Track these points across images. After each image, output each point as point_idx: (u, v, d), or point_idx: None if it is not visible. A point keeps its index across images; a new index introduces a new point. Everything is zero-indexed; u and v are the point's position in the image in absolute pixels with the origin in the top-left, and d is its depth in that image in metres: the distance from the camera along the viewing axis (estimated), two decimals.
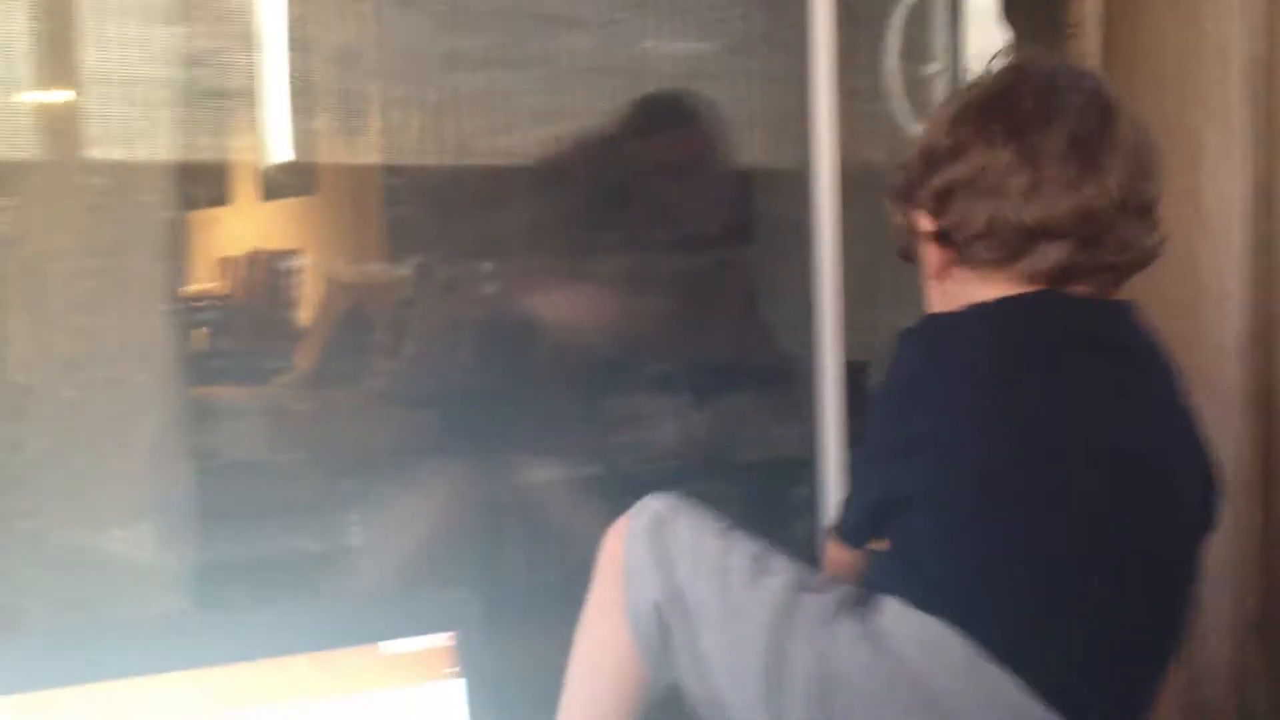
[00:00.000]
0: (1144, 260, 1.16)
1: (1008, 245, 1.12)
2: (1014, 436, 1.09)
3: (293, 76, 1.69)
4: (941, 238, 1.16)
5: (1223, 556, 1.79)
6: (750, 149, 1.87)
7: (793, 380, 1.90)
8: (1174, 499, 1.14)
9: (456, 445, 1.85)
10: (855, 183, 1.79)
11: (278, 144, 1.80)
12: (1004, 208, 1.11)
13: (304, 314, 1.89)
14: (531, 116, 1.78)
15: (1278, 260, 1.78)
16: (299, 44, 1.65)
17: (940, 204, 1.15)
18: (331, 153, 1.80)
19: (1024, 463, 1.09)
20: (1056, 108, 1.13)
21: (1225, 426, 1.76)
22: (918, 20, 1.94)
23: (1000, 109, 1.14)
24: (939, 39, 1.97)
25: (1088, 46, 1.61)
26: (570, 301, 1.93)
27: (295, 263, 1.89)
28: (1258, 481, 1.84)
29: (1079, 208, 1.10)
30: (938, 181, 1.15)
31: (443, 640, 0.87)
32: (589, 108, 1.79)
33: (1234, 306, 1.73)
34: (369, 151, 1.78)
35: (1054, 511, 1.09)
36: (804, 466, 1.89)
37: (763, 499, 2.02)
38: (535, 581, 1.89)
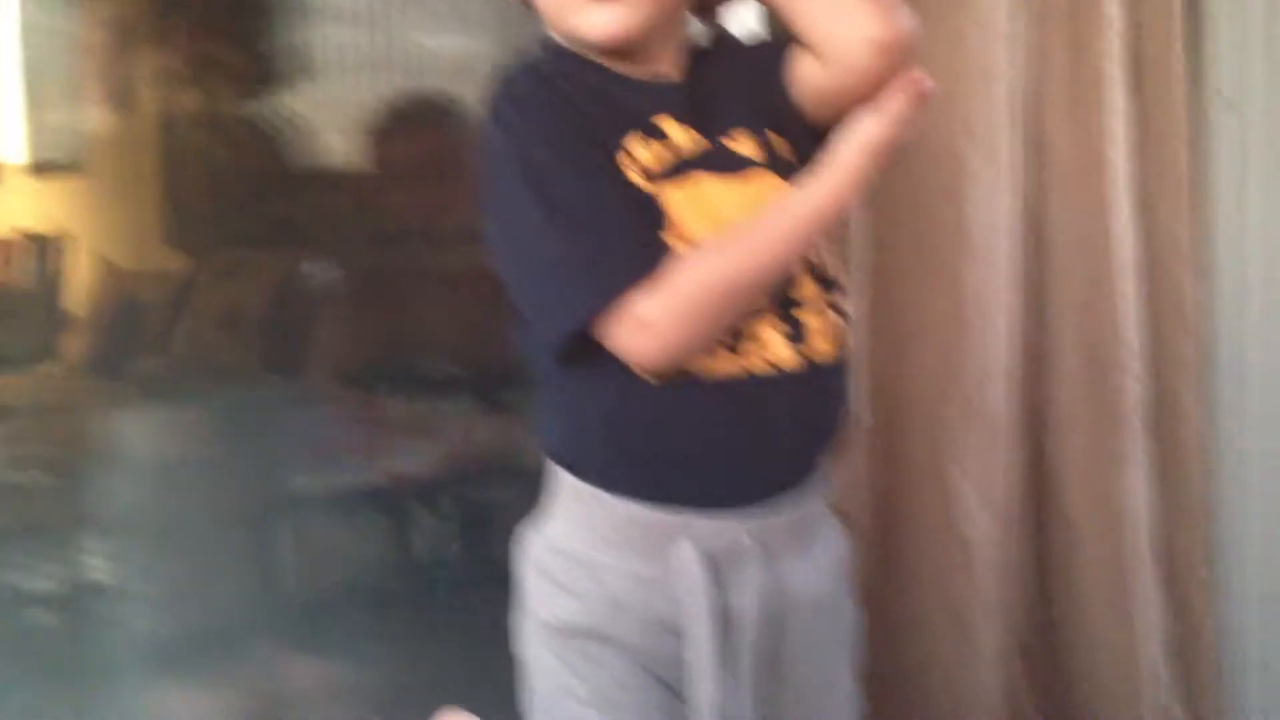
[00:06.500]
0: None
1: None
2: None
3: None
4: None
5: (992, 583, 1.78)
6: None
7: None
8: None
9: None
10: None
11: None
12: None
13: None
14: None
15: (1044, 288, 1.77)
16: None
17: None
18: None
19: None
20: None
21: (992, 453, 1.76)
22: None
23: None
24: None
25: None
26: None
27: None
28: (1030, 509, 1.84)
29: None
30: None
31: None
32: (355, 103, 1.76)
33: (1000, 333, 1.72)
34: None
35: None
36: None
37: None
38: None
